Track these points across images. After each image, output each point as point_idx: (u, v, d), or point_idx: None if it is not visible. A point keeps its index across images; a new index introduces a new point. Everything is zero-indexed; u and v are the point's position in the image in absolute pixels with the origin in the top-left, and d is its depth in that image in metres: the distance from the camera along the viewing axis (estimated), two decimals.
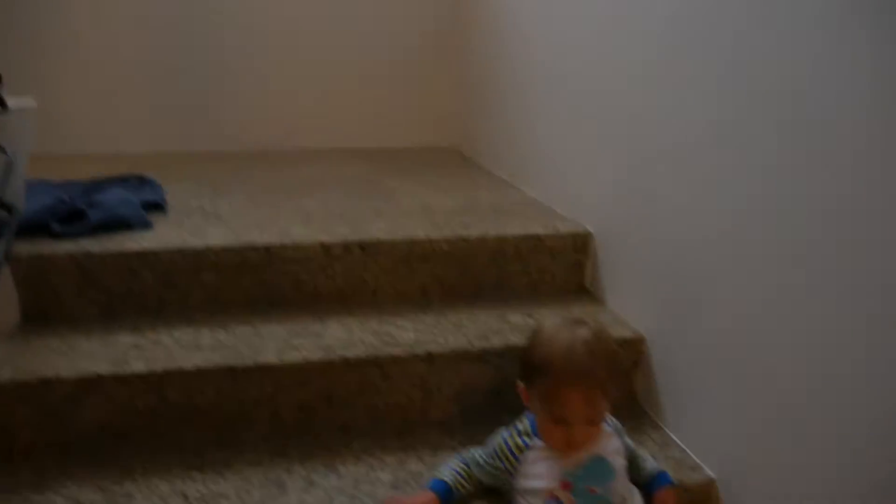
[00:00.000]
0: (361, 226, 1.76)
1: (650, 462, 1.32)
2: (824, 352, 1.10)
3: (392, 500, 1.26)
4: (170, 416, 1.40)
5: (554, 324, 1.22)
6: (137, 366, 1.38)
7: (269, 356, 1.44)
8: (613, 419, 1.29)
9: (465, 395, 1.52)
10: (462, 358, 1.48)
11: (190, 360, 1.41)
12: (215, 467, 1.35)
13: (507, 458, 1.23)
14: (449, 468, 1.29)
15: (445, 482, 1.26)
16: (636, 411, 1.57)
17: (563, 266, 1.78)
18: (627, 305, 1.65)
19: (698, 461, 1.40)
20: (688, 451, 1.43)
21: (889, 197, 0.98)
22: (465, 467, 1.28)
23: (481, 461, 1.27)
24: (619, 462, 1.23)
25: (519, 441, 1.24)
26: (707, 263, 1.35)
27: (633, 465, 1.30)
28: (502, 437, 1.26)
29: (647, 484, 1.29)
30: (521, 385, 1.24)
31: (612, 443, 1.24)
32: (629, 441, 1.32)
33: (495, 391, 1.52)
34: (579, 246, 1.77)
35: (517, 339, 1.51)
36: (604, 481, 1.19)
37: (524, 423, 1.26)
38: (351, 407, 1.48)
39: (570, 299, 1.75)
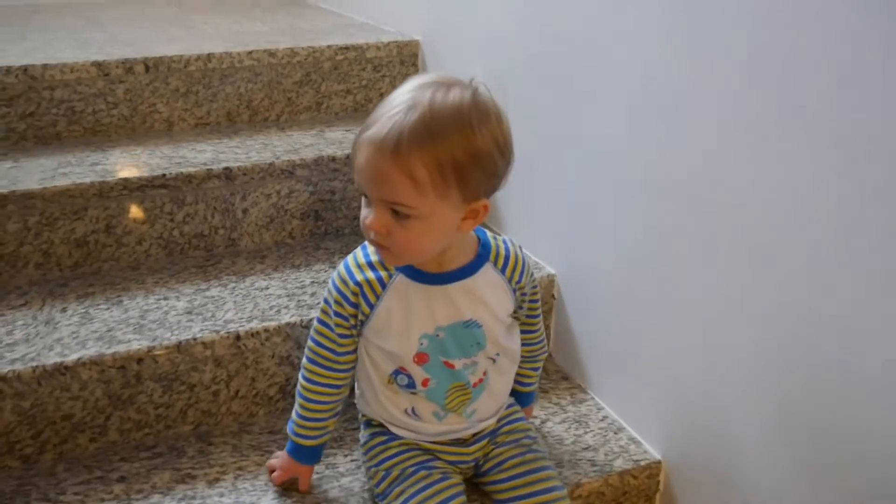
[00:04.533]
0: (149, 47, 1.51)
1: (533, 376, 1.05)
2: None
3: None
4: None
5: (424, 77, 0.81)
6: None
7: (30, 184, 1.19)
8: (521, 258, 0.92)
9: (277, 219, 1.33)
10: (267, 173, 1.28)
11: None
12: None
13: (352, 292, 0.88)
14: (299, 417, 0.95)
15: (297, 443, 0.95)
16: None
17: (391, 82, 1.59)
18: None
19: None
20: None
21: None
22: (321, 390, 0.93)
23: (325, 350, 0.92)
24: (499, 324, 0.91)
25: (370, 274, 0.88)
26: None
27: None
28: (342, 274, 0.89)
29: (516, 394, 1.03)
30: None
31: (495, 294, 0.90)
32: (534, 307, 0.98)
33: (313, 214, 1.34)
34: (406, 57, 1.58)
35: (333, 151, 1.33)
36: (467, 353, 0.90)
37: (362, 254, 0.90)
38: (142, 240, 1.26)
39: None
